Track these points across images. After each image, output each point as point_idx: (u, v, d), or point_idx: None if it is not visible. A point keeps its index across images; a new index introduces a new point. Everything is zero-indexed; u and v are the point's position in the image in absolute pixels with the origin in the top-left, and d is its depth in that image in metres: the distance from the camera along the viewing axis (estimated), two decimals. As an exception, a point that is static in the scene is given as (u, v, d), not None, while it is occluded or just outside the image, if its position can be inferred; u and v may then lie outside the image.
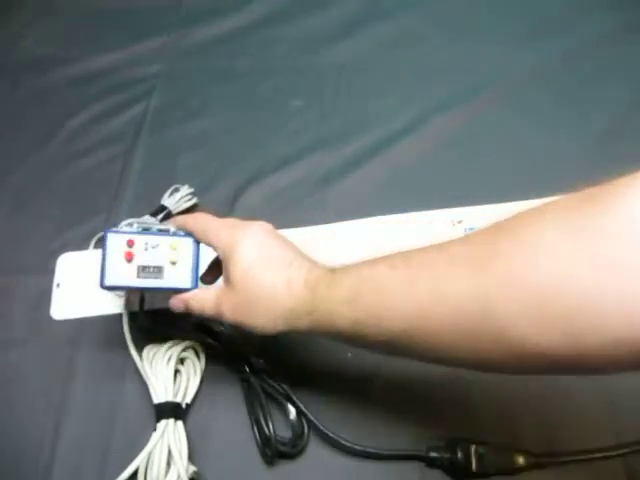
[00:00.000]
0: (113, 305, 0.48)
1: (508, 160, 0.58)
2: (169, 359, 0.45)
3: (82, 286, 0.48)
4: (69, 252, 0.51)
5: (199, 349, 0.46)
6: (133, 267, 0.40)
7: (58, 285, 0.49)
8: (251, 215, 0.55)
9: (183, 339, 0.46)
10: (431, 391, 0.46)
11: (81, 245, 0.51)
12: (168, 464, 0.41)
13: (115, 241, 0.40)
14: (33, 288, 0.51)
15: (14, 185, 0.59)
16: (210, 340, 0.46)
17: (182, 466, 0.40)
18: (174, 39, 0.71)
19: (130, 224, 0.41)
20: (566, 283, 0.25)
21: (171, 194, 0.55)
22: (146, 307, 0.46)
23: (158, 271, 0.41)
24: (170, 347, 0.45)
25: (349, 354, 0.47)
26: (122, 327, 0.47)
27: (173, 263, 0.41)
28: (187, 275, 0.41)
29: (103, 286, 0.40)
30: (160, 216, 0.53)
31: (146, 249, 0.40)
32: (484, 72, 0.65)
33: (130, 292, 0.46)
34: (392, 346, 0.33)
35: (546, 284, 0.25)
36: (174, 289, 0.41)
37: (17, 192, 0.59)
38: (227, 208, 0.56)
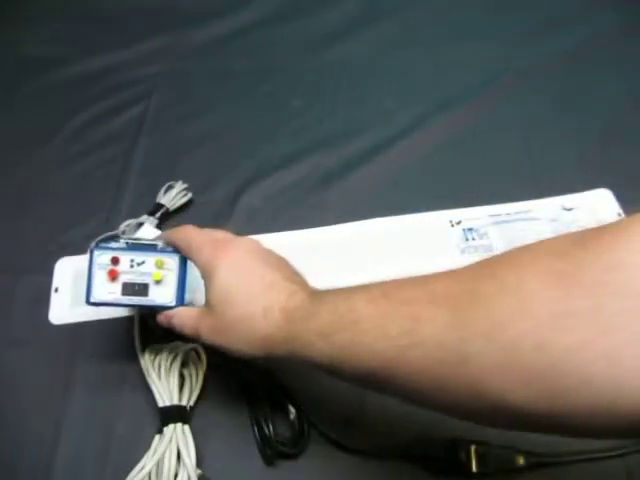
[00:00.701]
0: (112, 310, 0.48)
1: (508, 160, 0.58)
2: (173, 362, 0.45)
3: (81, 291, 0.48)
4: (67, 257, 0.51)
5: (200, 350, 0.46)
6: (118, 284, 0.40)
7: (56, 290, 0.49)
8: (251, 215, 0.56)
9: (185, 341, 0.46)
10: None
11: (81, 245, 0.51)
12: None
13: (101, 258, 0.40)
14: (33, 288, 0.51)
15: (14, 185, 0.59)
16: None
17: (192, 469, 0.40)
18: (174, 39, 0.71)
19: (117, 239, 0.41)
20: (548, 336, 0.23)
21: (166, 191, 0.55)
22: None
23: (143, 288, 0.41)
24: (173, 349, 0.45)
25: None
26: (122, 329, 0.47)
27: (158, 281, 0.41)
28: (171, 293, 0.41)
29: (88, 302, 0.41)
30: (157, 214, 0.54)
31: (132, 266, 0.40)
32: (484, 72, 0.65)
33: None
34: (367, 384, 0.32)
35: (526, 338, 0.23)
36: (158, 307, 0.41)
37: (17, 192, 0.59)
38: (227, 208, 0.56)
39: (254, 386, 0.44)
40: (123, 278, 0.40)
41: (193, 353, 0.46)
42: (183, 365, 0.45)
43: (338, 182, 0.58)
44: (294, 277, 0.37)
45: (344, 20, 0.71)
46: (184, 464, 0.41)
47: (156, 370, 0.44)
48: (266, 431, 0.42)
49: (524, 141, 0.60)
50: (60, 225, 0.55)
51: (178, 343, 0.46)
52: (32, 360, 0.48)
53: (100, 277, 0.40)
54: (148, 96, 0.65)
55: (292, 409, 0.43)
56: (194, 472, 0.41)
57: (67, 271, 0.50)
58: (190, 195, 0.56)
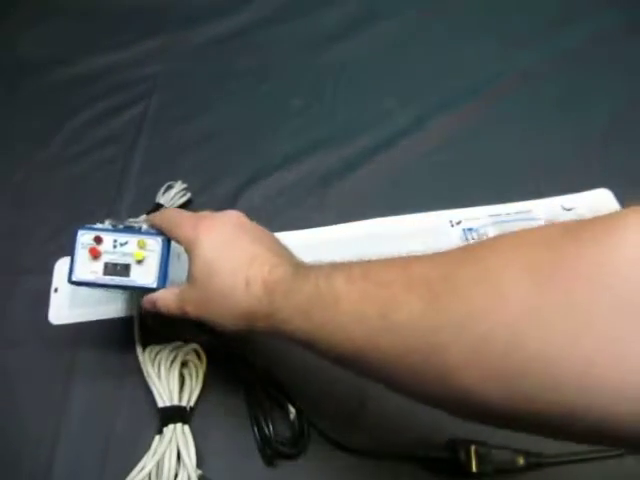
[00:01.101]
0: (111, 310, 0.48)
1: (508, 160, 0.58)
2: (173, 362, 0.45)
3: (80, 291, 0.48)
4: (67, 257, 0.51)
5: (200, 351, 0.46)
6: (100, 264, 0.40)
7: (56, 290, 0.49)
8: (251, 215, 0.55)
9: (185, 341, 0.46)
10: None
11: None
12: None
13: (85, 237, 0.40)
14: (33, 288, 0.51)
15: (14, 185, 0.59)
16: (211, 340, 0.46)
17: (192, 470, 0.41)
18: (174, 39, 0.71)
19: (103, 221, 0.42)
20: (520, 332, 0.22)
21: (165, 191, 0.55)
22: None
23: (124, 269, 0.40)
24: (173, 350, 0.45)
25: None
26: (122, 329, 0.47)
27: (139, 261, 0.40)
28: (153, 274, 0.40)
29: (70, 281, 0.41)
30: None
31: (114, 246, 0.41)
32: (484, 72, 0.65)
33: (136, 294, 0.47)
34: (342, 364, 0.32)
35: (498, 331, 0.23)
36: (140, 287, 0.41)
37: (17, 192, 0.59)
38: (227, 208, 0.55)
39: (254, 386, 0.44)
40: (105, 258, 0.40)
41: (193, 353, 0.46)
42: (183, 365, 0.45)
43: (338, 182, 0.58)
44: (279, 250, 0.37)
45: (344, 20, 0.71)
46: (184, 464, 0.41)
47: (156, 370, 0.44)
48: (266, 431, 0.42)
49: (524, 141, 0.60)
50: (60, 225, 0.55)
51: (178, 343, 0.46)
52: (32, 360, 0.48)
53: (82, 256, 0.40)
54: (148, 96, 0.65)
55: (292, 409, 0.43)
56: (194, 472, 0.41)
57: (67, 271, 0.50)
58: (189, 195, 0.56)
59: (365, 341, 0.29)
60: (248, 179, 0.58)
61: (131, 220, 0.48)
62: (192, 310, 0.37)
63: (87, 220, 0.55)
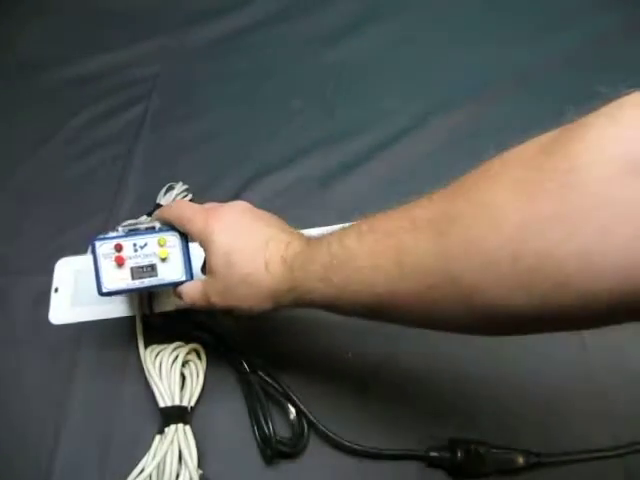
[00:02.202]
0: (111, 310, 0.48)
1: (508, 160, 0.58)
2: (174, 362, 0.45)
3: (80, 291, 0.49)
4: (67, 257, 0.51)
5: (201, 351, 0.46)
6: (126, 270, 0.41)
7: (56, 290, 0.49)
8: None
9: (185, 341, 0.46)
10: (431, 391, 0.46)
11: (81, 245, 0.51)
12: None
13: (104, 248, 0.40)
14: (33, 288, 0.51)
15: (14, 185, 0.59)
16: (211, 340, 0.47)
17: (193, 470, 0.41)
18: (174, 39, 0.71)
19: (116, 229, 0.42)
20: (521, 246, 0.24)
21: (166, 192, 0.55)
22: (147, 312, 0.47)
23: (151, 269, 0.41)
24: (174, 350, 0.45)
25: (349, 354, 0.47)
26: (122, 329, 0.47)
27: (164, 259, 0.41)
28: (180, 268, 0.41)
29: (102, 293, 0.41)
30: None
31: (135, 250, 0.41)
32: (484, 72, 0.65)
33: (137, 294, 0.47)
34: (368, 316, 0.34)
35: (504, 247, 0.25)
36: (170, 284, 0.42)
37: (17, 192, 0.59)
38: None
39: (254, 386, 0.44)
40: (130, 263, 0.41)
41: (194, 353, 0.46)
42: (183, 365, 0.45)
43: (338, 182, 0.58)
44: (290, 230, 0.39)
45: (344, 20, 0.71)
46: (186, 465, 0.41)
47: (157, 370, 0.44)
48: (266, 431, 0.42)
49: (524, 141, 0.59)
50: (60, 225, 0.55)
51: (179, 343, 0.46)
52: (32, 360, 0.48)
53: (107, 266, 0.40)
54: (148, 96, 0.65)
55: (292, 409, 0.43)
56: (196, 472, 0.41)
57: (67, 271, 0.50)
58: (190, 196, 0.56)
59: (385, 290, 0.30)
60: (248, 179, 0.58)
61: (130, 222, 0.48)
62: (218, 301, 0.39)
63: (87, 220, 0.55)
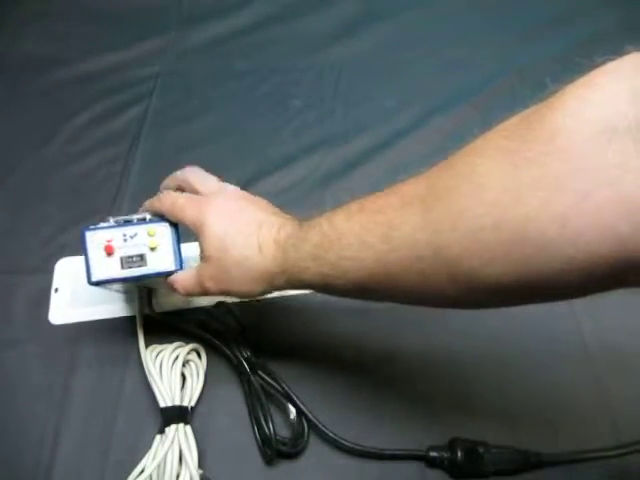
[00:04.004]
0: (111, 310, 0.48)
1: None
2: (174, 362, 0.45)
3: (80, 291, 0.49)
4: (67, 257, 0.51)
5: (201, 351, 0.46)
6: (116, 259, 0.41)
7: (56, 290, 0.49)
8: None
9: (186, 341, 0.46)
10: (431, 391, 0.46)
11: (81, 245, 0.51)
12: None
13: (94, 238, 0.40)
14: (33, 288, 0.51)
15: (14, 185, 0.59)
16: (212, 340, 0.47)
17: (194, 470, 0.40)
18: (174, 39, 0.71)
19: (107, 219, 0.42)
20: (503, 213, 0.25)
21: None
22: (147, 312, 0.47)
23: (140, 259, 0.41)
24: (174, 350, 0.45)
25: (349, 354, 0.47)
26: (123, 329, 0.47)
27: (153, 249, 0.41)
28: (170, 258, 0.41)
29: (91, 282, 0.40)
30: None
31: (125, 240, 0.41)
32: (484, 72, 0.65)
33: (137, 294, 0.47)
34: (358, 294, 0.35)
35: (485, 216, 0.26)
36: (160, 273, 0.41)
37: (17, 192, 0.59)
38: None
39: (254, 385, 0.44)
40: (119, 253, 0.41)
41: (194, 353, 0.46)
42: (184, 365, 0.45)
43: (338, 182, 0.58)
44: (282, 213, 0.40)
45: (344, 20, 0.71)
46: (187, 465, 0.41)
47: (157, 370, 0.44)
48: (266, 431, 0.42)
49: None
50: (60, 225, 0.55)
51: (179, 343, 0.46)
52: (32, 360, 0.48)
53: (96, 255, 0.40)
54: (148, 96, 0.65)
55: (292, 409, 0.43)
56: (196, 472, 0.41)
57: (67, 271, 0.50)
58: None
59: (375, 265, 0.31)
60: (248, 179, 0.58)
61: (124, 217, 0.48)
62: (212, 285, 0.39)
63: (87, 220, 0.55)
